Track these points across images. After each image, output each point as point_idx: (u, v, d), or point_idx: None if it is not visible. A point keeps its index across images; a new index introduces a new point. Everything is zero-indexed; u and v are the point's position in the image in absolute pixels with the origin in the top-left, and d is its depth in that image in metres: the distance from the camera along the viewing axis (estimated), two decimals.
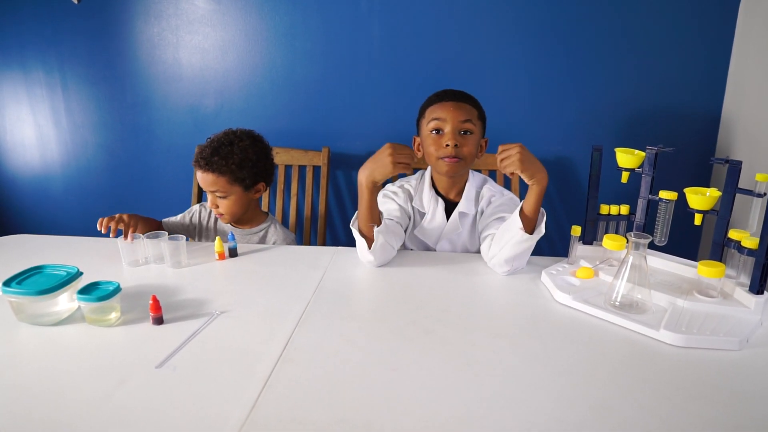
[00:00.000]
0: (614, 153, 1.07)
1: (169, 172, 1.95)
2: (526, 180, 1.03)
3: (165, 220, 1.44)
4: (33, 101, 1.92)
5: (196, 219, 1.48)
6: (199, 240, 1.47)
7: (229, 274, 1.11)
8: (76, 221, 2.06)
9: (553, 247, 1.93)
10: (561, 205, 1.89)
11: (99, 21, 1.79)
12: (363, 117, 1.82)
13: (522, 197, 1.44)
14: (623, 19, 1.67)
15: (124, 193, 2.00)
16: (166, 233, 1.12)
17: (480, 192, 1.29)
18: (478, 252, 1.23)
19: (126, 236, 1.13)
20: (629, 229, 1.12)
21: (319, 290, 1.01)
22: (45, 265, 0.93)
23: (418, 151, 1.29)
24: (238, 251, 1.21)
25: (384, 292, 1.04)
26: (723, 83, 1.70)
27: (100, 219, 1.17)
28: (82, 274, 0.92)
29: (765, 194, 0.92)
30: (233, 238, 1.19)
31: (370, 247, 1.09)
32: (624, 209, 1.11)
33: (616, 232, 1.13)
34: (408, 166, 1.05)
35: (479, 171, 1.60)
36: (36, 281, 0.87)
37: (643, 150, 1.04)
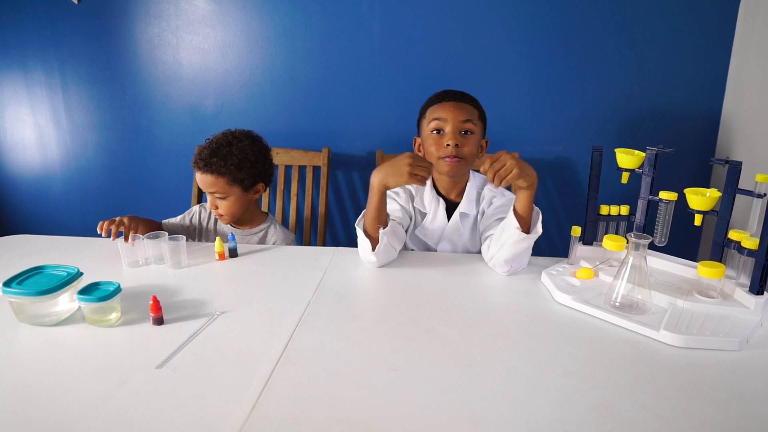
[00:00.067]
0: (614, 153, 1.07)
1: (169, 173, 1.95)
2: (521, 185, 1.02)
3: (165, 221, 1.44)
4: (33, 101, 1.92)
5: (196, 220, 1.48)
6: (199, 241, 1.47)
7: (229, 274, 1.11)
8: (76, 221, 2.06)
9: (553, 247, 1.93)
10: (561, 205, 1.89)
11: (99, 21, 1.79)
12: (363, 117, 1.83)
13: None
14: (623, 19, 1.67)
15: (124, 194, 2.00)
16: (167, 234, 1.12)
17: (481, 192, 1.29)
18: (479, 252, 1.23)
19: (126, 239, 1.13)
20: (629, 229, 1.12)
21: (320, 290, 1.01)
22: (45, 266, 0.93)
23: (419, 151, 1.29)
24: (238, 251, 1.21)
25: (384, 293, 1.04)
26: (723, 84, 1.71)
27: (100, 222, 1.17)
28: (82, 274, 0.92)
29: (765, 195, 0.92)
30: (233, 239, 1.19)
31: (374, 248, 1.09)
32: (624, 210, 1.11)
33: (616, 233, 1.13)
34: (423, 180, 1.05)
35: (480, 171, 1.60)
36: (36, 281, 0.87)
37: (643, 150, 1.04)
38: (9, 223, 2.09)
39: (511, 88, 1.76)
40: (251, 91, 1.83)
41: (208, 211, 1.47)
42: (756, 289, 0.88)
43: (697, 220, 0.95)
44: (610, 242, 0.98)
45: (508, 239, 1.05)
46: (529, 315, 0.92)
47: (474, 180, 1.30)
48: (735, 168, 0.92)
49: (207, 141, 1.36)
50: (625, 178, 1.07)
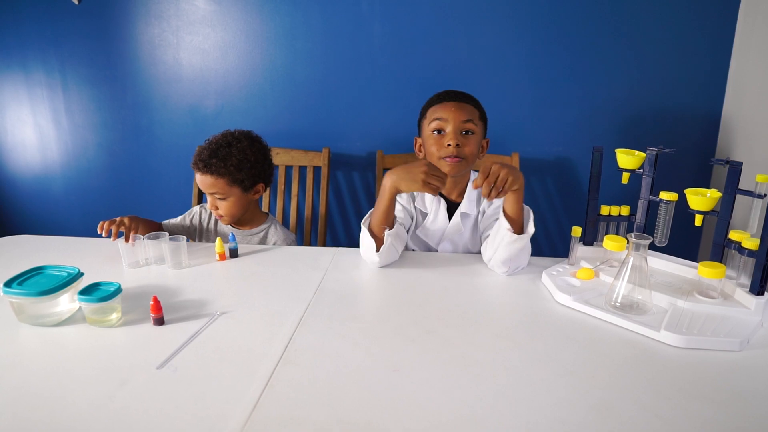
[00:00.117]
0: (615, 154, 1.07)
1: (170, 173, 1.95)
2: (512, 188, 1.01)
3: (165, 222, 1.44)
4: (34, 102, 1.92)
5: (196, 220, 1.48)
6: (200, 242, 1.47)
7: (229, 274, 1.11)
8: (76, 222, 2.06)
9: (553, 247, 1.93)
10: (561, 205, 1.89)
11: (100, 22, 1.79)
12: (363, 118, 1.83)
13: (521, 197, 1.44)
14: (624, 20, 1.67)
15: (125, 194, 2.00)
16: (167, 234, 1.12)
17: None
18: (480, 252, 1.23)
19: (127, 239, 1.13)
20: (630, 229, 1.12)
21: (320, 291, 1.01)
22: (46, 266, 0.93)
23: (420, 152, 1.29)
24: (239, 252, 1.21)
25: (385, 293, 1.04)
26: (723, 84, 1.71)
27: (100, 222, 1.17)
28: (83, 274, 0.92)
29: (765, 195, 0.92)
30: (234, 239, 1.19)
31: (378, 248, 1.09)
32: (624, 210, 1.11)
33: (617, 233, 1.13)
34: (436, 189, 1.04)
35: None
36: (37, 282, 0.87)
37: (644, 151, 1.04)
38: (9, 223, 2.09)
39: (512, 88, 1.76)
40: (251, 91, 1.84)
41: (208, 211, 1.47)
42: (756, 289, 0.88)
43: (698, 220, 0.95)
44: (611, 242, 0.98)
45: (501, 241, 1.06)
46: (529, 315, 0.92)
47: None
48: (735, 168, 0.92)
49: (206, 142, 1.36)
50: (625, 178, 1.07)
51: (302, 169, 1.82)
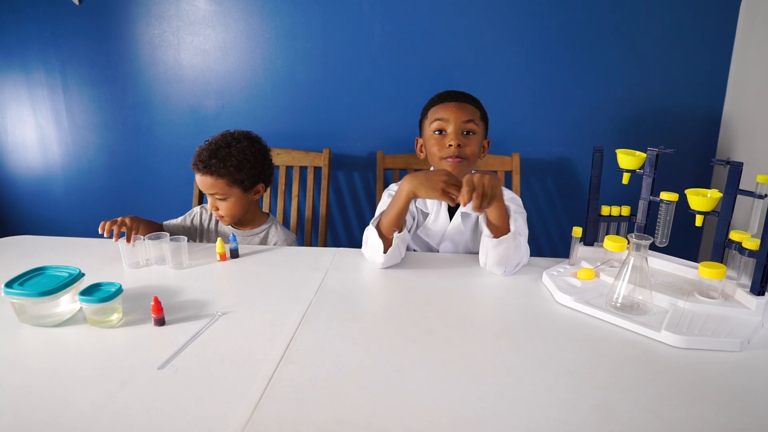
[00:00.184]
0: (615, 154, 1.07)
1: (170, 174, 1.96)
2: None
3: (166, 222, 1.44)
4: (34, 102, 1.93)
5: (197, 221, 1.48)
6: (201, 242, 1.47)
7: (230, 275, 1.11)
8: (77, 222, 2.06)
9: (554, 248, 1.93)
10: (562, 206, 1.89)
11: (100, 22, 1.80)
12: (364, 118, 1.83)
13: (522, 197, 1.44)
14: (624, 20, 1.67)
15: (125, 195, 2.01)
16: (168, 234, 1.12)
17: None
18: None
19: (128, 240, 1.13)
20: (630, 230, 1.12)
21: (321, 291, 1.01)
22: (47, 267, 0.93)
23: (421, 152, 1.29)
24: (240, 252, 1.21)
25: (386, 293, 1.04)
26: (724, 84, 1.71)
27: (102, 223, 1.17)
28: (83, 275, 0.92)
29: (766, 196, 0.92)
30: (234, 239, 1.19)
31: (385, 250, 1.09)
32: (625, 210, 1.11)
33: (617, 234, 1.13)
34: (453, 200, 1.04)
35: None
36: (38, 282, 0.87)
37: (644, 151, 1.05)
38: (10, 223, 2.09)
39: (512, 88, 1.76)
40: (252, 91, 1.84)
41: (209, 212, 1.47)
42: (757, 289, 0.88)
43: (698, 220, 0.95)
44: (611, 243, 0.98)
45: (487, 245, 1.07)
46: (530, 315, 0.92)
47: None
48: (736, 169, 0.92)
49: (206, 142, 1.36)
50: (626, 178, 1.07)
51: (303, 170, 1.82)
